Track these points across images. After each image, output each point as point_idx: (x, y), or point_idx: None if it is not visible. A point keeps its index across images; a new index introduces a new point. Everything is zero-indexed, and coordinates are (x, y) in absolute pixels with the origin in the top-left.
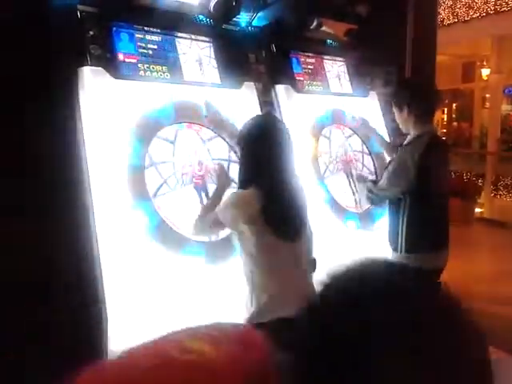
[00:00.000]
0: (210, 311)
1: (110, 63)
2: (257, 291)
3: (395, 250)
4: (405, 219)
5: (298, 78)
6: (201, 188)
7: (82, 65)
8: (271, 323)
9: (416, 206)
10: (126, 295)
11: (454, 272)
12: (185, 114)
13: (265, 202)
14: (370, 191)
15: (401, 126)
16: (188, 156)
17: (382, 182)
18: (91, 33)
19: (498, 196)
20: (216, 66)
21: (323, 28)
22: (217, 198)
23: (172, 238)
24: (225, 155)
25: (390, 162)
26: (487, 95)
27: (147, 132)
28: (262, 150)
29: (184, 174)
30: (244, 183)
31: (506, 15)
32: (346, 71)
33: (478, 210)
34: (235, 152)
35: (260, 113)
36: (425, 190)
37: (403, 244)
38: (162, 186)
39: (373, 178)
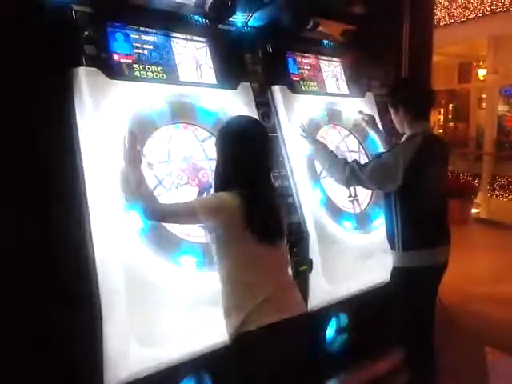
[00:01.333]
0: (208, 313)
1: (105, 63)
2: (242, 299)
3: (393, 248)
4: (398, 218)
5: (294, 78)
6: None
7: (77, 65)
8: (259, 330)
9: (408, 205)
10: (121, 296)
11: (450, 272)
12: (180, 115)
13: (247, 206)
14: (352, 171)
15: (397, 126)
16: (184, 156)
17: (369, 169)
18: (86, 33)
19: (495, 196)
20: (212, 66)
21: (320, 28)
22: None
23: (167, 238)
24: None
25: (382, 153)
26: (484, 96)
27: (142, 132)
28: (245, 153)
29: (179, 174)
30: (224, 186)
31: (502, 16)
32: (342, 72)
33: (474, 210)
34: None
35: (256, 114)
36: (414, 191)
37: (400, 242)
38: (157, 186)
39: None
